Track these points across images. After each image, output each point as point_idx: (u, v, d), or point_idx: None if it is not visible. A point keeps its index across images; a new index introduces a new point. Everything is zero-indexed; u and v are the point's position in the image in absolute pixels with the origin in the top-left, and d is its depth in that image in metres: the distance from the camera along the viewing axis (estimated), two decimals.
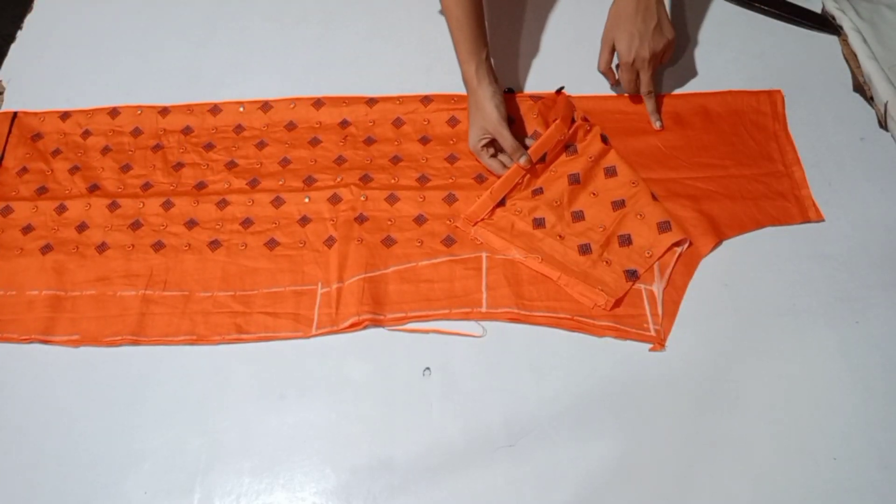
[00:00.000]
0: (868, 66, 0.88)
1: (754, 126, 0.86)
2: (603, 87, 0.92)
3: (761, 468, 0.65)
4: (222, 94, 0.97)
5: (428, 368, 0.74)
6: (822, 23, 0.94)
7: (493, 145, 0.84)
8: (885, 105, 0.84)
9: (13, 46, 1.07)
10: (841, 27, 0.93)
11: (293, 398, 0.74)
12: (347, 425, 0.72)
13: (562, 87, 0.91)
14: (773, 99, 0.88)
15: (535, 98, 0.90)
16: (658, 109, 0.87)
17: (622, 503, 0.65)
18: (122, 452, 0.72)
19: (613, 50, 0.85)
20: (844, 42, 0.93)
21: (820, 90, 0.89)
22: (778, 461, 0.66)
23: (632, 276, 0.76)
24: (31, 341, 0.79)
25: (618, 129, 0.88)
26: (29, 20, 1.10)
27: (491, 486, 0.67)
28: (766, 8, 0.96)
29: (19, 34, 1.09)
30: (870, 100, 0.87)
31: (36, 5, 1.12)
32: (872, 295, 0.73)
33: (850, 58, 0.91)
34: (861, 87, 0.89)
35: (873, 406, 0.68)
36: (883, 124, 0.85)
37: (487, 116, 0.81)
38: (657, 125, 0.86)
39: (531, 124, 0.89)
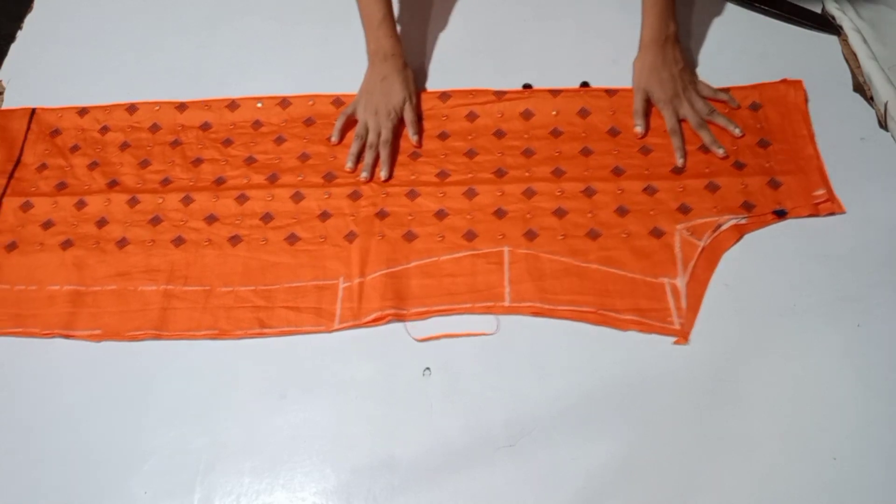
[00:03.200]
0: (868, 66, 0.88)
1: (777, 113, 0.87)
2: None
3: (763, 468, 0.65)
4: (222, 94, 0.97)
5: (428, 368, 0.74)
6: (822, 23, 0.94)
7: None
8: (885, 105, 0.84)
9: (13, 46, 1.07)
10: (841, 27, 0.93)
11: (294, 398, 0.73)
12: (348, 425, 0.71)
13: (586, 83, 0.92)
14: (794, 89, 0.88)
15: (555, 92, 0.91)
16: (714, 140, 0.84)
17: (624, 503, 0.65)
18: (123, 452, 0.72)
19: (646, 98, 0.87)
20: (844, 42, 0.93)
21: (820, 90, 0.89)
22: (780, 461, 0.66)
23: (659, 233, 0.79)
24: (52, 336, 0.79)
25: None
26: (29, 20, 1.10)
27: (491, 486, 0.67)
28: (766, 8, 0.96)
29: (19, 34, 1.09)
30: (870, 100, 0.87)
31: (36, 5, 1.12)
32: (874, 295, 0.73)
33: (850, 58, 0.91)
34: (861, 87, 0.89)
35: (875, 406, 0.67)
36: (883, 124, 0.85)
37: (400, 95, 0.89)
38: (720, 153, 0.83)
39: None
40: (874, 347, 0.71)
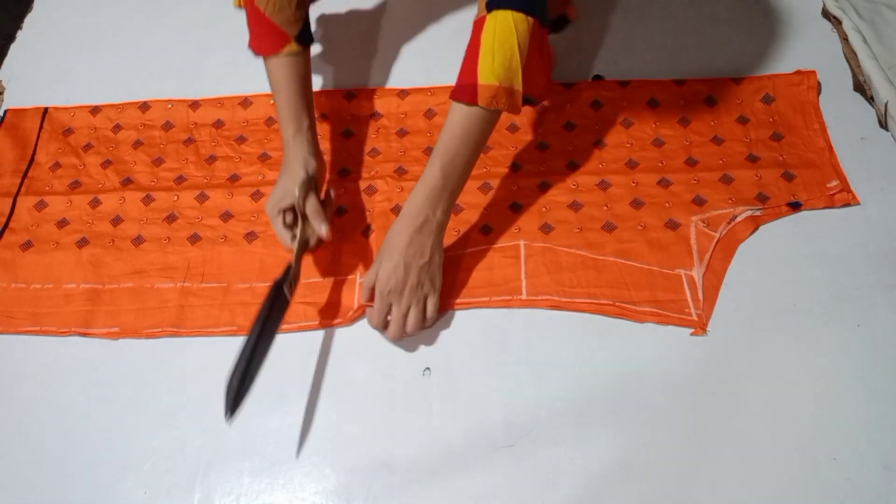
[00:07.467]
0: (868, 66, 0.88)
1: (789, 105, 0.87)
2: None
3: (761, 468, 0.66)
4: (223, 93, 0.97)
5: (428, 368, 0.74)
6: None
7: (293, 213, 0.75)
8: (885, 105, 0.84)
9: (13, 46, 1.07)
10: (840, 25, 0.93)
11: (293, 398, 0.74)
12: (348, 425, 0.72)
13: (600, 76, 0.92)
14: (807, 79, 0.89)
15: (567, 85, 0.91)
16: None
17: (622, 503, 0.65)
18: (122, 452, 0.72)
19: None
20: (844, 42, 0.93)
21: (820, 90, 0.89)
22: (778, 461, 0.66)
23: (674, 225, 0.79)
24: (69, 334, 0.79)
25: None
26: (29, 20, 1.11)
27: (491, 486, 0.67)
28: None
29: (19, 34, 1.09)
30: (870, 100, 0.87)
31: (36, 5, 1.12)
32: (873, 295, 0.73)
33: (851, 58, 0.91)
34: (861, 87, 0.89)
35: (873, 406, 0.68)
36: (883, 124, 0.85)
37: (295, 178, 0.74)
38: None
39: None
40: (874, 347, 0.71)
